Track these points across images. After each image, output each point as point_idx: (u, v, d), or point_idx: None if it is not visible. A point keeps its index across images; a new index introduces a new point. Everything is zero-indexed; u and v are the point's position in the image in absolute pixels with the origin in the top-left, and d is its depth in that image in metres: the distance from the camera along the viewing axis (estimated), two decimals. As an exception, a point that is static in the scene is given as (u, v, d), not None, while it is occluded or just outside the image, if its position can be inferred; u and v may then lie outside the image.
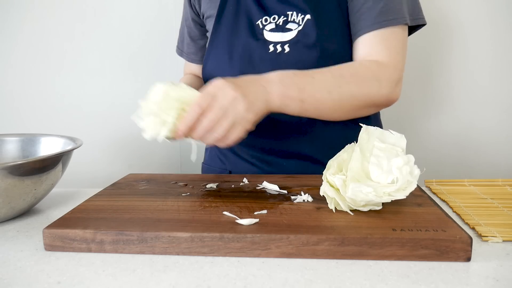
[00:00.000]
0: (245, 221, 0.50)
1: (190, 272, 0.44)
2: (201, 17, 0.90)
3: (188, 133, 0.59)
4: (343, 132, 0.79)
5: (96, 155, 1.25)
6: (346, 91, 0.67)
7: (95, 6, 1.19)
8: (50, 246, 0.50)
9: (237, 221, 0.51)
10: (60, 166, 0.63)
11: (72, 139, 0.72)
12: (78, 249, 0.49)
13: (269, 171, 0.81)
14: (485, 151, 1.18)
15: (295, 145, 0.80)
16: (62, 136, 0.74)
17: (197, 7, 0.89)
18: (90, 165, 1.24)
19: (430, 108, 1.18)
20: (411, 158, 0.53)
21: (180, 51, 0.99)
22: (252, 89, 0.61)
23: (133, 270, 0.45)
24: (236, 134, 0.59)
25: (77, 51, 1.21)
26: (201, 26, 0.92)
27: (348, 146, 0.58)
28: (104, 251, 0.49)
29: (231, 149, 0.86)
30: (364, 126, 0.57)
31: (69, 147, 0.66)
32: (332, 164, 0.56)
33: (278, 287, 0.41)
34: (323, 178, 0.56)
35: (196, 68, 0.98)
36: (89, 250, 0.49)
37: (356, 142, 0.58)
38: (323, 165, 0.78)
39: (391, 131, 0.56)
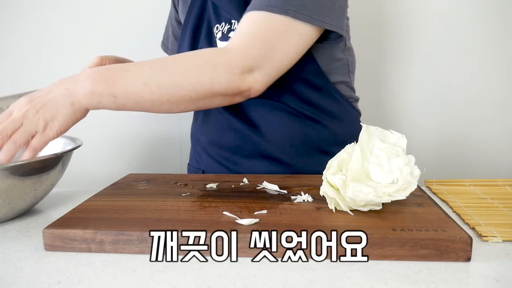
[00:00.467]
0: (245, 221, 0.50)
1: (190, 272, 0.44)
2: None
3: None
4: (302, 130, 0.78)
5: (96, 155, 1.25)
6: (166, 82, 0.61)
7: (95, 6, 1.19)
8: (50, 246, 0.50)
9: (237, 221, 0.51)
10: (60, 166, 0.63)
11: (72, 139, 0.72)
12: (78, 249, 0.49)
13: (236, 171, 0.80)
14: (485, 151, 1.18)
15: (256, 145, 0.79)
16: (62, 136, 0.74)
17: (178, 8, 0.89)
18: (90, 165, 1.24)
19: (430, 108, 1.18)
20: (412, 158, 0.53)
21: (165, 47, 0.99)
22: (52, 96, 0.60)
23: (133, 270, 0.45)
24: (39, 141, 0.59)
25: (77, 50, 1.21)
26: None
27: (348, 146, 0.58)
28: (104, 251, 0.49)
29: (204, 149, 0.85)
30: (364, 125, 0.56)
31: (69, 147, 0.66)
32: (332, 164, 0.56)
33: (278, 287, 0.41)
34: (323, 178, 0.56)
35: None
36: (89, 250, 0.49)
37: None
38: (286, 165, 0.78)
39: (392, 131, 0.56)
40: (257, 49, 0.64)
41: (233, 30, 0.76)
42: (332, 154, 0.57)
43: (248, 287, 0.41)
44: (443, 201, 0.65)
